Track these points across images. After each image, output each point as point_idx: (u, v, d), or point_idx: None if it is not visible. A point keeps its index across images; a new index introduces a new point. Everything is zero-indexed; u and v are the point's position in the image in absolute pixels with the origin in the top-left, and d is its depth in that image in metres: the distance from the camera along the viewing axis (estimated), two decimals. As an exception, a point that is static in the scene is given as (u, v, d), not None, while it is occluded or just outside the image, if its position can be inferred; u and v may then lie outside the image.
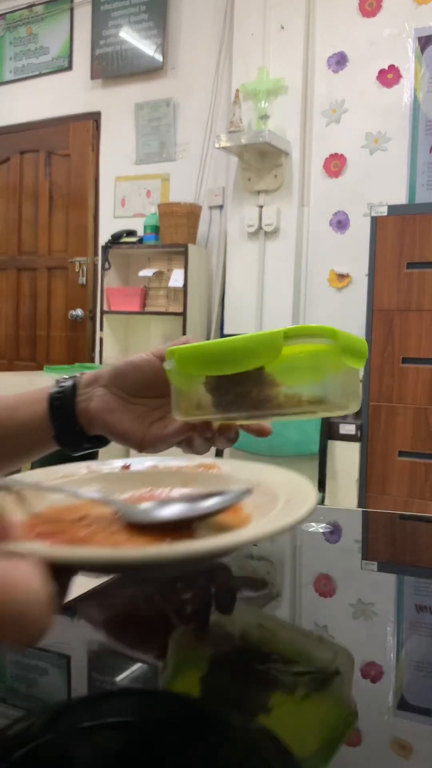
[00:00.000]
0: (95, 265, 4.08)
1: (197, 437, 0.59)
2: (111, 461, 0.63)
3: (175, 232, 3.47)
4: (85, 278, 4.13)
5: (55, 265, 4.25)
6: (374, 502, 2.61)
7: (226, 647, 0.62)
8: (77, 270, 4.14)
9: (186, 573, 0.75)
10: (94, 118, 4.01)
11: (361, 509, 1.12)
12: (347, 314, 3.21)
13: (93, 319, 4.10)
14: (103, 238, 3.92)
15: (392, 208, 2.59)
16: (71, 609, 0.66)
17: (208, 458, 0.62)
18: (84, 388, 0.62)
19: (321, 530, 0.97)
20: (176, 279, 3.45)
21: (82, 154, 4.07)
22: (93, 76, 3.94)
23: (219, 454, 2.71)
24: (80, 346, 4.18)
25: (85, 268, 4.12)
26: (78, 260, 4.13)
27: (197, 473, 0.61)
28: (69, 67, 4.07)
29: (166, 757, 0.44)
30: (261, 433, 0.59)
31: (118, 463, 0.63)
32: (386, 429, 2.59)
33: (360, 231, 3.23)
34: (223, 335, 3.01)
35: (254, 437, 0.60)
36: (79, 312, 4.14)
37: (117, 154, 3.94)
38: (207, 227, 3.66)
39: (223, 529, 0.49)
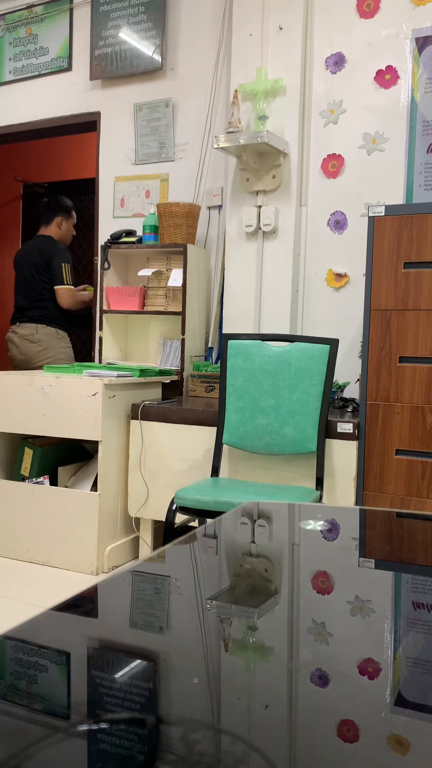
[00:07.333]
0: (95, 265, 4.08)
1: None
2: None
3: (174, 232, 3.48)
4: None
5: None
6: (372, 500, 2.62)
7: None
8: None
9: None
10: (94, 118, 4.01)
11: (358, 507, 1.13)
12: (345, 314, 3.22)
13: (93, 318, 4.10)
14: (103, 237, 3.93)
15: (389, 208, 2.60)
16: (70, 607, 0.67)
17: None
18: None
19: (319, 528, 0.98)
20: (175, 279, 3.46)
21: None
22: (92, 77, 3.95)
23: (218, 451, 2.70)
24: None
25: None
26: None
27: None
28: (68, 68, 4.07)
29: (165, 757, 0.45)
30: None
31: None
32: (383, 427, 2.60)
33: (358, 231, 3.24)
34: (222, 335, 3.02)
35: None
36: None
37: (116, 154, 3.95)
38: (206, 227, 3.67)
39: None
